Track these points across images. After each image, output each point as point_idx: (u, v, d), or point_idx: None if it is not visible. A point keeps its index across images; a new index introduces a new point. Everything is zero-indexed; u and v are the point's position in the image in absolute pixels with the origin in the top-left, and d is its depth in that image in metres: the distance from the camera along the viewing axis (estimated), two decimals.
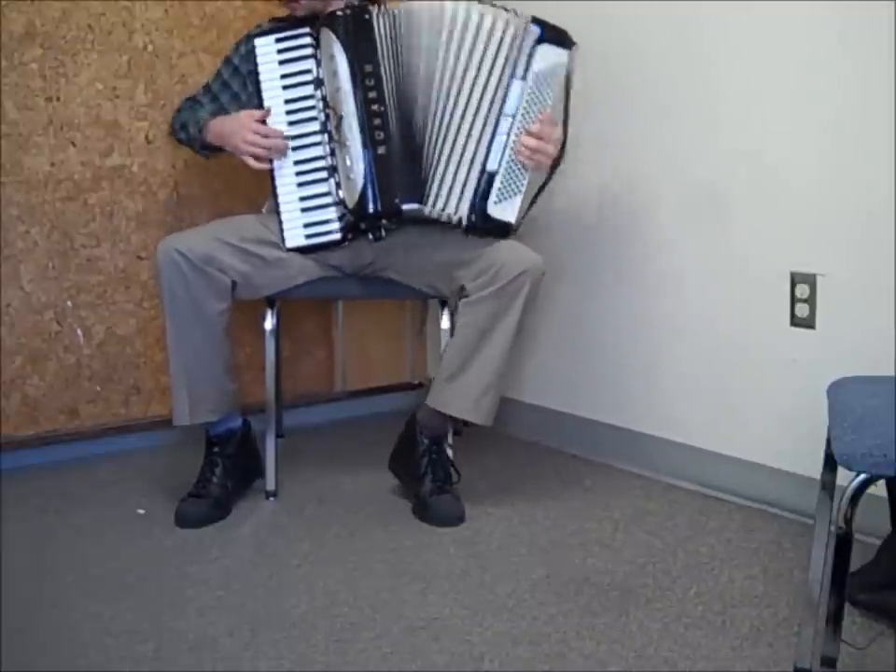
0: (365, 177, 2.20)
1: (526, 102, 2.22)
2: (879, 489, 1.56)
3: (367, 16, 2.21)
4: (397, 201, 2.22)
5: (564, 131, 2.28)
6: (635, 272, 2.59)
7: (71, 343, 2.69)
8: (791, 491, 2.25)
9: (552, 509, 2.34)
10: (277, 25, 2.35)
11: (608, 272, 2.66)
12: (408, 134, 2.23)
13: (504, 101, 2.22)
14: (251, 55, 2.31)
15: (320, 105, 2.27)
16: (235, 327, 2.34)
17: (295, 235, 2.31)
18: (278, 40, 2.28)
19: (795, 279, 2.25)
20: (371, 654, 1.70)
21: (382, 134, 2.21)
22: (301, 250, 2.32)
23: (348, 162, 2.22)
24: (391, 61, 2.22)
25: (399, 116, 2.23)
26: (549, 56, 2.22)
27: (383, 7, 2.23)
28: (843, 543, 1.30)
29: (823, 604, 1.39)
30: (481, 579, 1.99)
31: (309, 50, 2.27)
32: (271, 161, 2.29)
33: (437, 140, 2.24)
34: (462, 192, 2.24)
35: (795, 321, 2.26)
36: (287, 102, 2.29)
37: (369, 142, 2.21)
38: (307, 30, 2.27)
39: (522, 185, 2.25)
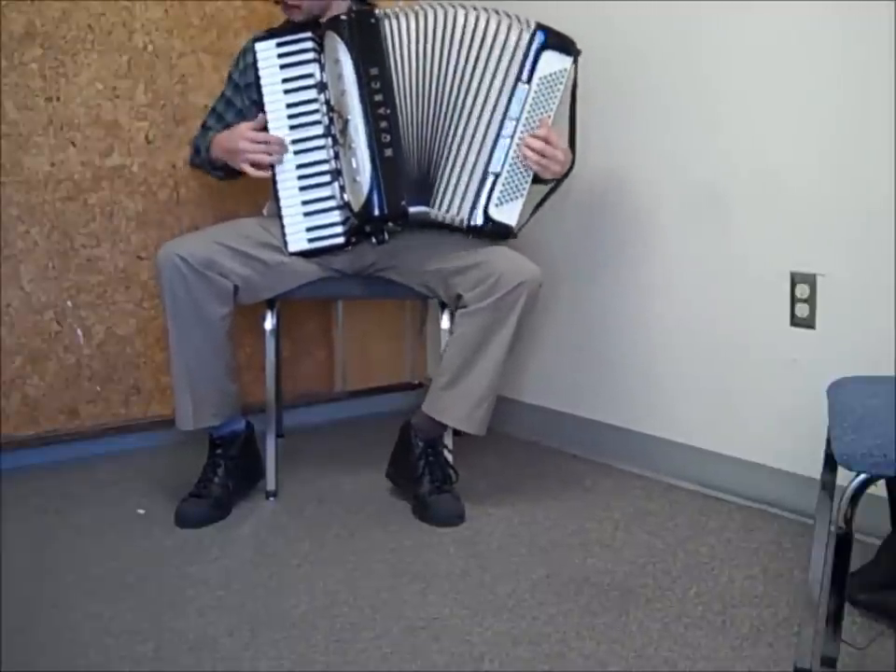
0: (371, 180, 2.19)
1: (530, 106, 2.22)
2: (879, 489, 1.56)
3: (373, 20, 2.21)
4: (403, 203, 2.21)
5: (572, 139, 2.29)
6: (635, 272, 2.59)
7: (71, 343, 2.69)
8: (791, 491, 2.25)
9: (552, 509, 2.34)
10: (278, 30, 2.35)
11: (608, 272, 2.66)
12: (414, 137, 2.23)
13: (508, 104, 2.22)
14: (250, 69, 2.31)
15: (324, 108, 2.26)
16: (235, 327, 2.33)
17: (298, 239, 2.30)
18: (279, 44, 2.28)
19: (795, 279, 2.25)
20: (370, 654, 1.70)
21: (388, 137, 2.20)
22: (304, 254, 2.32)
23: (354, 165, 2.21)
24: (397, 63, 2.22)
25: (406, 118, 2.22)
26: (553, 62, 2.22)
27: (388, 10, 2.23)
28: (843, 543, 1.30)
29: (823, 604, 1.39)
30: (481, 579, 1.99)
31: (311, 55, 2.26)
32: (272, 168, 2.28)
33: (443, 143, 2.24)
34: (466, 194, 2.24)
35: (795, 321, 2.26)
36: (289, 106, 2.28)
37: (375, 144, 2.19)
38: (309, 34, 2.27)
39: (524, 189, 2.25)
